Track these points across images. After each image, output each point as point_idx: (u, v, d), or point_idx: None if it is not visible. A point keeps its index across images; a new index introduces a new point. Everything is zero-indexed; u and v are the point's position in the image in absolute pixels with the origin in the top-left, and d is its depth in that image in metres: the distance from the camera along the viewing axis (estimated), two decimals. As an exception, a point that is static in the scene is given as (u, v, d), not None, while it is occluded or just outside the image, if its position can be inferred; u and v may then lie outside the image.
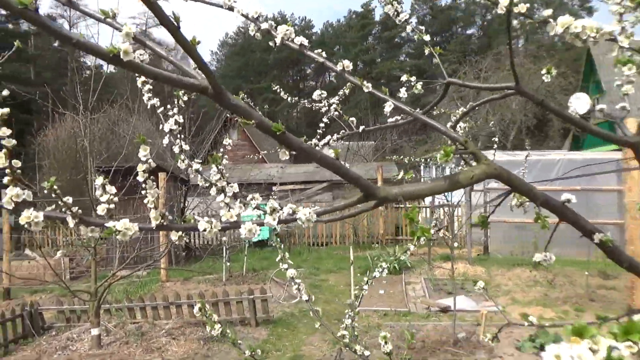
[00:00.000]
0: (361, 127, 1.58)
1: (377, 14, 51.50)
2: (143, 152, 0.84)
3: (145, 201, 0.92)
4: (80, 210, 0.80)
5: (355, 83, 1.16)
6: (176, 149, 1.11)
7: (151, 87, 1.11)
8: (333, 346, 4.95)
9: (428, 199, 14.27)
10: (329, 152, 0.88)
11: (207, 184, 0.95)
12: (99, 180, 0.87)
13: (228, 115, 22.07)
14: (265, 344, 5.08)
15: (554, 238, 1.27)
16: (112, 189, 0.90)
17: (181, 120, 1.12)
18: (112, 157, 7.80)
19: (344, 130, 1.53)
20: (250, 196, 0.96)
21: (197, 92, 0.82)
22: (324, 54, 1.14)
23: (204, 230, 0.84)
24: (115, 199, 0.90)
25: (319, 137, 1.65)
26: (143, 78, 1.09)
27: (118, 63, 0.71)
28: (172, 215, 10.22)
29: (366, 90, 1.14)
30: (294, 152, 0.90)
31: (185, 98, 1.15)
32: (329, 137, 1.53)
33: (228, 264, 8.79)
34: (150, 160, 0.90)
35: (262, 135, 25.42)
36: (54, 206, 0.81)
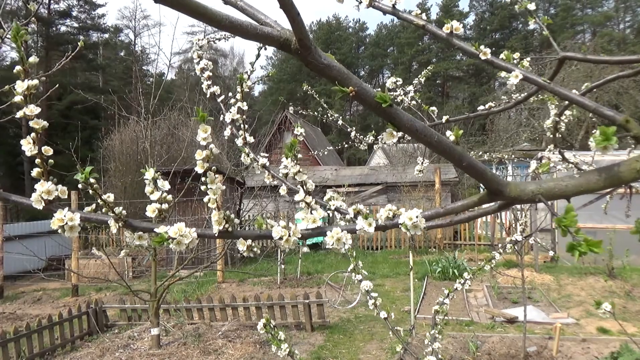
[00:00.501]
0: (445, 117, 1.40)
1: (434, 12, 50.48)
2: (202, 134, 0.72)
3: (205, 199, 0.79)
4: (124, 212, 0.69)
5: (467, 50, 0.98)
6: (239, 142, 0.99)
7: (210, 74, 1.00)
8: (392, 355, 4.74)
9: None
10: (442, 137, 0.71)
11: (274, 181, 0.83)
12: (149, 173, 0.76)
13: (287, 115, 22.25)
14: (321, 351, 4.95)
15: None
16: (165, 185, 0.78)
17: (245, 108, 0.99)
18: (171, 159, 7.98)
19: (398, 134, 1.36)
20: (328, 195, 0.82)
21: (276, 46, 0.64)
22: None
23: (280, 238, 0.72)
24: (169, 197, 0.78)
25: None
26: (202, 64, 0.97)
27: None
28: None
29: (483, 58, 0.96)
30: (399, 134, 0.74)
31: (250, 83, 1.02)
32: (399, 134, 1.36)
33: (282, 266, 8.76)
34: (212, 146, 0.76)
35: (316, 138, 25.47)
36: (93, 206, 0.71)
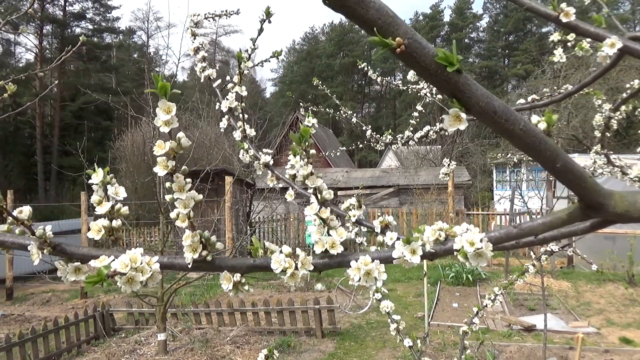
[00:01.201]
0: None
1: (447, 14, 50.13)
2: (163, 116, 0.55)
3: (172, 215, 0.61)
4: (50, 234, 0.55)
5: (540, 11, 0.80)
6: (237, 135, 0.84)
7: (206, 55, 0.86)
8: (405, 364, 4.57)
9: (502, 206, 13.41)
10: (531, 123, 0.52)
11: (278, 183, 0.69)
12: (97, 176, 0.61)
13: (298, 116, 22.15)
14: (332, 358, 4.80)
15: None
16: (120, 193, 0.62)
17: (244, 94, 0.83)
18: (181, 160, 7.91)
19: (435, 127, 1.20)
20: (346, 204, 0.68)
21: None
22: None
23: (283, 271, 0.59)
24: (124, 209, 0.64)
25: (412, 129, 1.33)
26: (197, 42, 0.83)
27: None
28: (237, 221, 10.25)
29: (565, 20, 0.77)
30: (468, 118, 0.48)
31: (251, 64, 0.87)
32: (427, 127, 1.21)
33: (293, 269, 8.62)
34: (182, 135, 0.58)
35: (327, 139, 25.34)
36: (5, 226, 0.57)
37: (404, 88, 1.53)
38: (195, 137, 9.36)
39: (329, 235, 0.60)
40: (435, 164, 20.15)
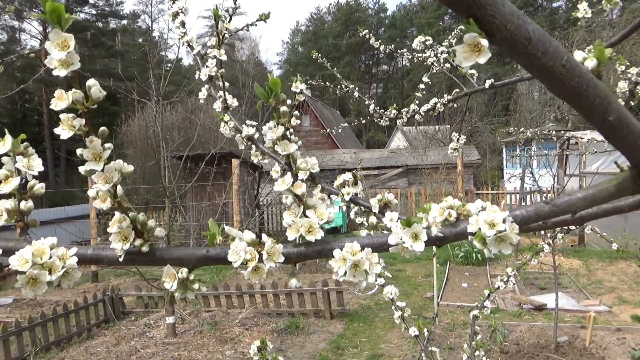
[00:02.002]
0: (488, 82, 1.15)
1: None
2: (57, 53, 0.44)
3: (90, 192, 0.50)
4: None
5: None
6: (217, 105, 0.75)
7: (185, 20, 0.78)
8: (414, 345, 4.55)
9: (512, 184, 13.26)
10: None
11: (263, 159, 0.62)
12: (3, 144, 0.52)
13: (304, 97, 22.05)
14: (340, 340, 4.78)
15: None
16: (35, 165, 0.51)
17: (224, 58, 0.74)
18: (186, 143, 7.86)
19: (457, 90, 1.12)
20: (340, 179, 0.60)
21: None
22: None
23: (244, 264, 0.50)
24: (39, 186, 0.54)
25: (417, 102, 1.24)
26: (176, 7, 0.75)
27: None
28: (245, 204, 10.21)
29: None
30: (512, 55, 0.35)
31: (233, 27, 0.78)
32: (434, 100, 1.12)
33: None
34: (93, 83, 0.47)
35: (334, 121, 25.16)
36: None
37: (410, 57, 1.44)
38: (200, 120, 9.27)
39: (305, 217, 0.51)
40: (444, 144, 19.95)
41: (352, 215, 0.97)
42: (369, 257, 0.46)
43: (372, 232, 0.56)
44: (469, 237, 0.44)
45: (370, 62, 54.35)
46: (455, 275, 7.32)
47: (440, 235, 0.46)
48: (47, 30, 31.35)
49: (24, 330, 4.63)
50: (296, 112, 0.54)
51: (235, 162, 8.36)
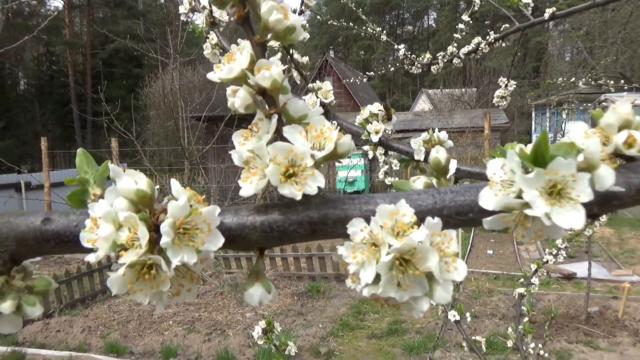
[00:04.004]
0: (548, 11, 0.95)
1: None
2: None
3: None
4: None
5: None
6: (200, 20, 0.58)
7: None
8: (436, 312, 4.45)
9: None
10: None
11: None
12: None
13: (328, 59, 21.53)
14: (362, 305, 4.72)
15: None
16: None
17: None
18: (206, 104, 7.73)
19: (506, 25, 0.93)
20: (365, 113, 0.43)
21: None
22: None
23: (116, 257, 0.31)
24: None
25: (455, 45, 1.06)
26: None
27: None
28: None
29: None
30: None
31: None
32: (477, 39, 0.94)
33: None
34: None
35: (357, 84, 24.63)
36: None
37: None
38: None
39: (283, 141, 0.30)
40: (470, 107, 19.38)
41: (380, 175, 0.79)
42: (439, 240, 0.29)
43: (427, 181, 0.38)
44: None
45: (395, 23, 52.63)
46: (480, 242, 7.16)
47: (617, 190, 0.27)
48: (69, -9, 31.15)
49: (49, 288, 4.70)
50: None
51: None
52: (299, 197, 0.30)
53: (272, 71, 0.29)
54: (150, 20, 37.66)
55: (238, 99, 0.30)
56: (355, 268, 0.27)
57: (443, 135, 0.38)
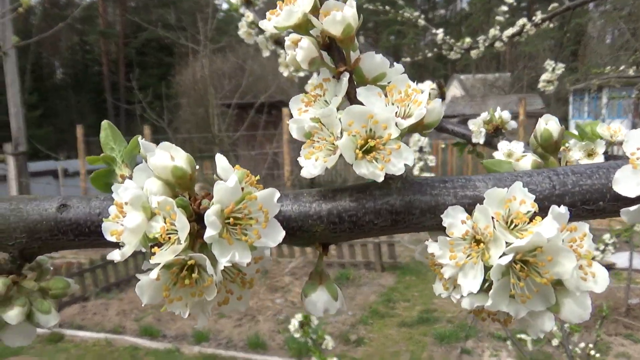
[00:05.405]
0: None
1: None
2: None
3: None
4: None
5: None
6: None
7: None
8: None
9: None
10: None
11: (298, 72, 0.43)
12: None
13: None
14: (391, 293, 4.69)
15: None
16: None
17: None
18: (236, 91, 7.76)
19: (555, 5, 0.86)
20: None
21: None
22: None
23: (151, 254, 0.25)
24: None
25: (498, 27, 0.99)
26: None
27: None
28: (297, 154, 10.07)
29: None
30: None
31: None
32: (522, 20, 0.87)
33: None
34: None
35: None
36: None
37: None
38: (249, 68, 9.11)
39: (356, 103, 0.25)
40: (504, 92, 18.87)
41: (415, 172, 0.76)
42: (570, 238, 0.24)
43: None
44: None
45: (426, 7, 51.52)
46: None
47: None
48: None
49: (86, 271, 4.85)
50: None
51: (285, 110, 8.21)
52: (381, 179, 0.25)
53: (345, 13, 0.23)
54: (182, 8, 38.01)
55: (301, 51, 0.24)
56: (451, 271, 0.22)
57: (506, 115, 0.34)
